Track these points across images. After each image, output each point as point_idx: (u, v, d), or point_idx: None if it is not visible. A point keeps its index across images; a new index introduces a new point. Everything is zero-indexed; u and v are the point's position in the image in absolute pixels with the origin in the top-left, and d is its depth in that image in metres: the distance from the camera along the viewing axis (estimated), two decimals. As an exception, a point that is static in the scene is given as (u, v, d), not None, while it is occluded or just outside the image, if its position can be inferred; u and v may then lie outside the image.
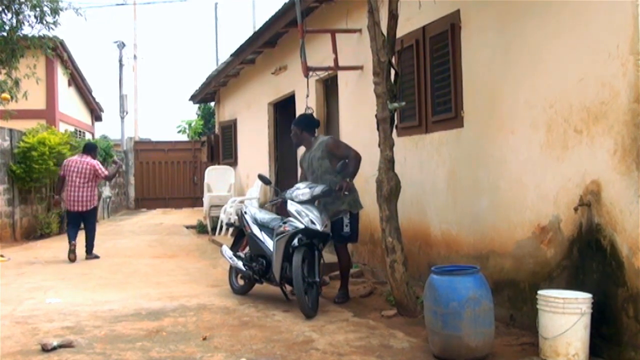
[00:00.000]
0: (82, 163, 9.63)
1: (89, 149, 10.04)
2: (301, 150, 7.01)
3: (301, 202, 5.82)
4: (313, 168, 6.19)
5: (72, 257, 9.30)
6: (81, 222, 9.76)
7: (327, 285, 6.97)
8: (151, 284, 7.28)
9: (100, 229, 11.23)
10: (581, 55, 4.15)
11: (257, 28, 12.43)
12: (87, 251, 9.70)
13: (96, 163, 9.85)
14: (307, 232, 5.65)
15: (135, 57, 27.10)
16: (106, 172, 9.97)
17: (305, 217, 5.69)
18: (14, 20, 10.60)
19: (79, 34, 57.10)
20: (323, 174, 6.09)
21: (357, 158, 6.06)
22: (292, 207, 5.82)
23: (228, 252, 6.61)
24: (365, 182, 7.19)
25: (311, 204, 5.85)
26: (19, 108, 12.28)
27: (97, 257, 9.70)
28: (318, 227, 5.66)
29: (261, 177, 6.52)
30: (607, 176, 3.93)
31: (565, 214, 4.29)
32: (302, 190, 5.92)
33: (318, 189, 5.86)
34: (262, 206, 11.95)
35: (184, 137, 26.37)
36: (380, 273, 6.90)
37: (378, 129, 5.44)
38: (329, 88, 9.04)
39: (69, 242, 9.36)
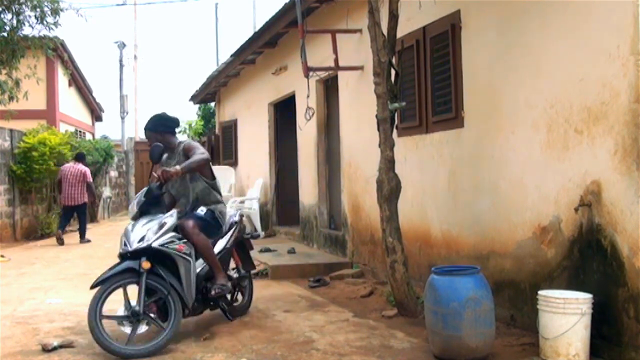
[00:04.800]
0: (74, 168, 12.19)
1: (80, 157, 12.66)
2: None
3: (135, 220, 4.84)
4: None
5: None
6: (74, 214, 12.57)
7: (327, 286, 6.97)
8: (152, 284, 7.26)
9: (101, 229, 11.35)
10: (582, 55, 4.14)
11: (257, 28, 12.43)
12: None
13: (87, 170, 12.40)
14: (123, 256, 4.68)
15: (135, 57, 27.05)
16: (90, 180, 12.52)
17: (122, 242, 4.72)
18: (15, 21, 10.58)
19: (79, 34, 57.16)
20: (182, 179, 5.19)
21: (202, 157, 5.02)
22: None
23: None
24: (366, 182, 7.19)
25: (143, 217, 4.81)
26: (20, 108, 12.29)
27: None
28: (129, 247, 4.61)
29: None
30: (608, 176, 3.93)
31: (565, 214, 4.29)
32: (129, 208, 5.07)
33: (140, 195, 4.96)
34: (262, 207, 11.98)
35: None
36: (381, 273, 6.90)
37: (378, 129, 5.44)
38: (329, 88, 9.04)
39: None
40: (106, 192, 18.97)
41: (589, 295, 3.92)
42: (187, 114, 51.22)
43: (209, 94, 16.19)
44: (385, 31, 5.42)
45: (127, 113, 26.23)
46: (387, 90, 5.38)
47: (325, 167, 9.29)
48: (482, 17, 5.27)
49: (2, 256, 9.80)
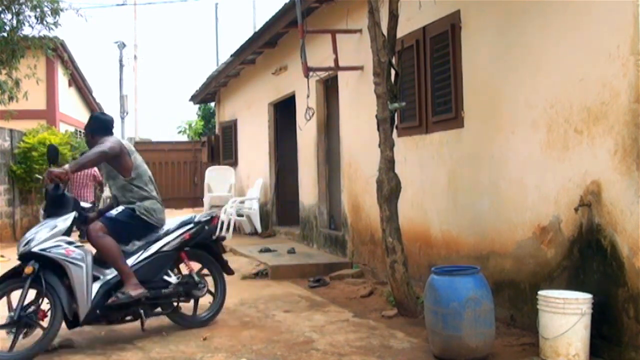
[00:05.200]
0: None
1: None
2: None
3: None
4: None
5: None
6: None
7: (327, 286, 6.97)
8: (151, 284, 7.26)
9: (101, 229, 11.35)
10: (582, 55, 4.14)
11: (257, 28, 12.43)
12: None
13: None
14: (22, 258, 4.50)
15: (135, 57, 27.09)
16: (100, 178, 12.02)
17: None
18: (15, 21, 10.57)
19: (79, 34, 57.12)
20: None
21: (94, 152, 4.71)
22: None
23: None
24: (366, 182, 7.19)
25: (47, 220, 4.64)
26: (20, 108, 12.28)
27: None
28: (17, 250, 4.49)
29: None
30: (608, 176, 3.93)
31: (565, 214, 4.29)
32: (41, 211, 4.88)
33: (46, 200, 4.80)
34: (262, 207, 11.98)
35: (184, 138, 26.37)
36: (381, 273, 6.90)
37: (378, 129, 5.44)
38: (329, 88, 9.04)
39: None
40: (106, 192, 18.96)
41: (589, 295, 3.92)
42: (187, 114, 51.29)
43: (209, 94, 16.19)
44: (385, 31, 5.42)
45: (127, 113, 26.25)
46: (387, 90, 5.38)
47: (325, 167, 9.29)
48: (482, 17, 5.27)
49: (2, 256, 9.79)
